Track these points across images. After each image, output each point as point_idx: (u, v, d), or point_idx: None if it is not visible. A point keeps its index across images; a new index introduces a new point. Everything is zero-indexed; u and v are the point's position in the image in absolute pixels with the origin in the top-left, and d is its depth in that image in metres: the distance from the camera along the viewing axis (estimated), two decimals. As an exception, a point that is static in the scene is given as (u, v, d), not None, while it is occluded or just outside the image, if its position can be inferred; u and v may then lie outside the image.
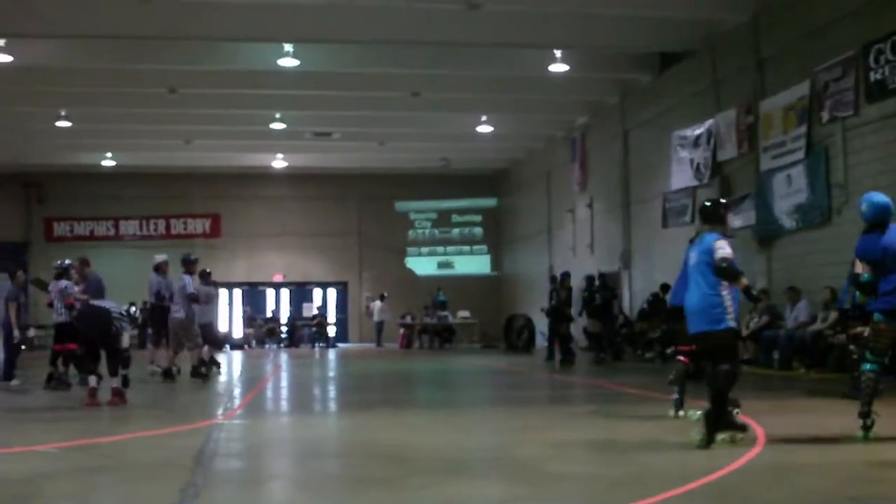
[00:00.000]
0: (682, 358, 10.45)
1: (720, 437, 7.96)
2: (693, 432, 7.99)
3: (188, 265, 18.12)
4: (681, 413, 10.02)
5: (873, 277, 8.57)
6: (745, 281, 8.30)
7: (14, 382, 15.82)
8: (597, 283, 22.55)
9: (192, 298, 17.59)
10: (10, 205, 36.96)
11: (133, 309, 13.75)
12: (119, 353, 12.53)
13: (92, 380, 12.42)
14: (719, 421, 8.02)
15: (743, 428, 8.25)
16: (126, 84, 24.38)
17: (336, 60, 23.21)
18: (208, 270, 19.90)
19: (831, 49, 17.05)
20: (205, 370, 17.39)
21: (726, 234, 8.54)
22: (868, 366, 8.46)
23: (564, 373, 19.21)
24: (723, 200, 9.52)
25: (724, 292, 8.26)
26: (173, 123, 28.93)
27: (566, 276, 22.67)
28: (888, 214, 8.65)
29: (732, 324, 8.35)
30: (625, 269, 26.05)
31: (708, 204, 8.97)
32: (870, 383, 8.34)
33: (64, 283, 15.47)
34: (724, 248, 8.17)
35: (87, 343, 12.97)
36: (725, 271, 8.12)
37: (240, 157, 35.93)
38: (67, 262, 15.85)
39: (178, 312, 17.55)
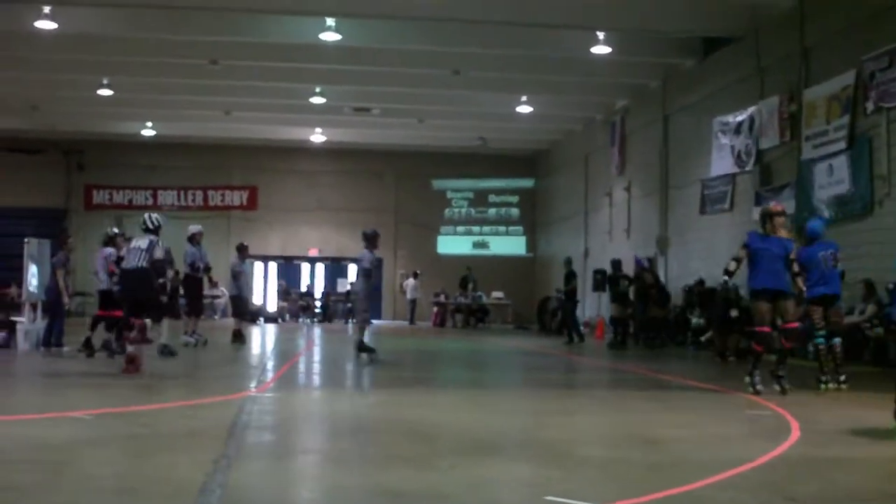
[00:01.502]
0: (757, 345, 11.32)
1: None
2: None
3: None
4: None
5: None
6: None
7: (66, 349, 15.91)
8: (623, 269, 22.72)
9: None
10: (51, 172, 37.32)
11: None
12: (160, 304, 12.68)
13: (129, 348, 12.55)
14: None
15: None
16: (168, 54, 24.48)
17: (377, 36, 23.17)
18: (245, 244, 20.35)
19: (878, 38, 16.82)
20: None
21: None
22: None
23: (595, 357, 19.17)
24: None
25: None
26: (214, 95, 29.03)
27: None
28: None
29: None
30: (661, 255, 25.92)
31: None
32: None
33: (109, 250, 15.49)
34: None
35: (132, 302, 13.07)
36: None
37: (279, 131, 36.00)
38: (115, 230, 15.90)
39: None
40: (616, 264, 23.04)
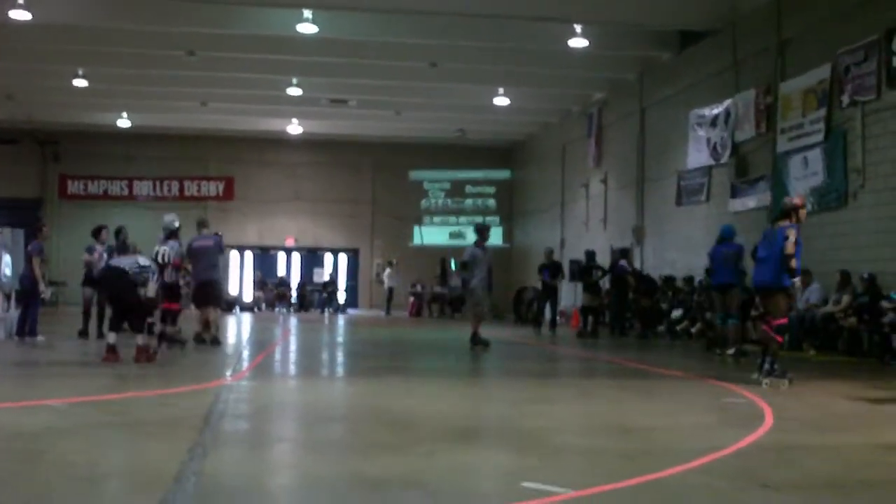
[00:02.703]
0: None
1: None
2: None
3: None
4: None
5: None
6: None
7: (39, 339, 15.89)
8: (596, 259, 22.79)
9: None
10: (26, 162, 37.12)
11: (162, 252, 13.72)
12: (140, 310, 12.60)
13: (111, 336, 12.54)
14: None
15: None
16: (144, 45, 24.37)
17: (354, 28, 23.13)
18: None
19: (854, 33, 16.95)
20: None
21: None
22: None
23: (572, 346, 19.22)
24: None
25: None
26: (190, 86, 28.92)
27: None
28: None
29: None
30: (637, 245, 26.03)
31: None
32: None
33: (172, 243, 15.07)
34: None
35: (112, 302, 13.15)
36: None
37: (255, 122, 35.92)
38: (177, 223, 15.42)
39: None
40: (590, 255, 23.13)
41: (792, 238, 10.89)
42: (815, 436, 7.75)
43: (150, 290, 12.59)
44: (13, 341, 15.99)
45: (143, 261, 12.87)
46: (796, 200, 11.67)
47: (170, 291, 14.99)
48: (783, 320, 11.38)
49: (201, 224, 16.79)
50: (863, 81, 16.65)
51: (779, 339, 11.35)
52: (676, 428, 8.02)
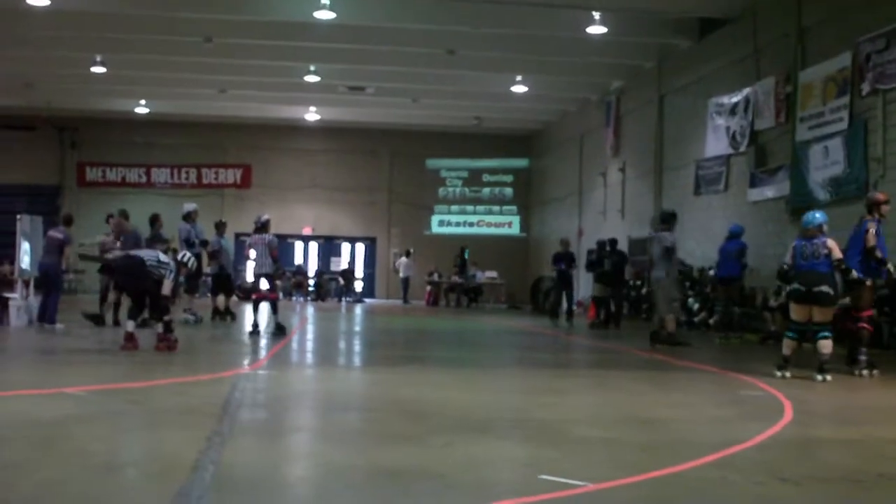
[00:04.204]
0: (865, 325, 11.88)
1: None
2: None
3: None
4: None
5: None
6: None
7: (59, 326, 15.98)
8: (608, 248, 22.57)
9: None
10: (45, 149, 37.23)
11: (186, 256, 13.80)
12: (159, 298, 12.65)
13: (129, 324, 12.58)
14: None
15: None
16: (162, 31, 24.37)
17: (372, 15, 23.09)
18: (224, 221, 20.77)
19: (875, 20, 16.79)
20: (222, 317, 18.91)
21: None
22: None
23: (589, 337, 19.18)
24: None
25: None
26: (208, 73, 28.93)
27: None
28: None
29: None
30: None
31: None
32: None
33: (269, 236, 16.28)
34: None
35: (129, 292, 13.35)
36: None
37: (273, 109, 35.90)
38: (265, 217, 16.58)
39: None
40: (600, 245, 23.10)
41: (872, 230, 11.63)
42: (835, 429, 7.71)
43: (166, 287, 12.61)
44: (33, 328, 16.07)
45: (164, 258, 12.91)
46: (879, 196, 12.25)
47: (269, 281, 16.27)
48: (869, 311, 11.92)
49: (262, 226, 16.68)
50: (884, 69, 16.50)
51: (869, 328, 11.81)
52: (695, 420, 7.99)
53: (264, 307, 16.72)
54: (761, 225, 20.06)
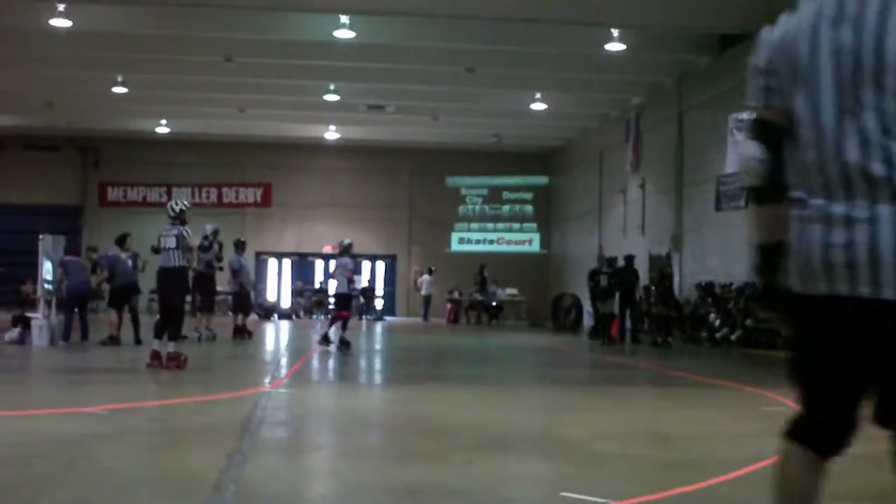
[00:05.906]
0: None
1: None
2: None
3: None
4: None
5: None
6: None
7: (85, 344, 16.44)
8: (621, 263, 22.54)
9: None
10: (67, 168, 37.47)
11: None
12: (180, 317, 12.72)
13: (156, 343, 12.63)
14: None
15: None
16: (183, 51, 24.49)
17: (392, 33, 23.13)
18: (243, 240, 20.91)
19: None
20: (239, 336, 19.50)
21: None
22: None
23: (609, 354, 19.11)
24: None
25: None
26: (228, 92, 29.04)
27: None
28: None
29: None
30: (676, 252, 25.83)
31: None
32: None
33: (346, 260, 17.66)
34: None
35: (161, 305, 13.33)
36: None
37: (293, 128, 35.99)
38: (347, 241, 18.23)
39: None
40: (604, 261, 23.17)
41: None
42: (862, 445, 7.61)
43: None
44: (59, 347, 16.17)
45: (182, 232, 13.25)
46: None
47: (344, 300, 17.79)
48: None
49: (345, 249, 18.32)
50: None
51: None
52: (717, 437, 7.94)
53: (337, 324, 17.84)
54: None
